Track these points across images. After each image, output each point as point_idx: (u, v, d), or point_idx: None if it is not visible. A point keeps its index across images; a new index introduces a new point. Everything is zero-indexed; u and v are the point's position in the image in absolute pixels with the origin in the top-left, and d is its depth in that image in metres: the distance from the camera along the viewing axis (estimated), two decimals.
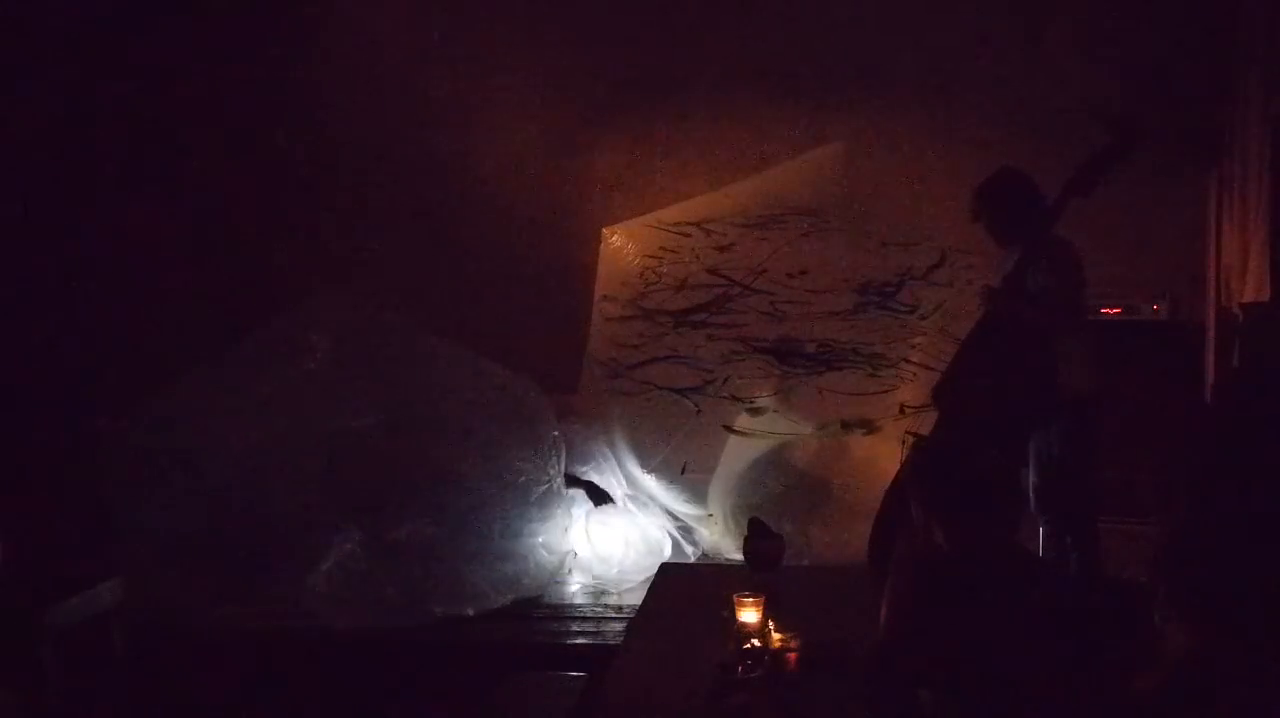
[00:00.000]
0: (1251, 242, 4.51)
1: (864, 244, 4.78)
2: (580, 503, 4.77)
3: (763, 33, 5.56)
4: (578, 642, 4.00)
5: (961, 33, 5.33)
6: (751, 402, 4.80)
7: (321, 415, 4.35)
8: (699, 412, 4.77)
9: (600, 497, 4.78)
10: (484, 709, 3.03)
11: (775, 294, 4.76)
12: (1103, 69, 5.15)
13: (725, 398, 4.76)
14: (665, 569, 4.25)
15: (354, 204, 5.79)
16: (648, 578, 4.59)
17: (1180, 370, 4.89)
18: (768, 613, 2.88)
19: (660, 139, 5.78)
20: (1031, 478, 3.88)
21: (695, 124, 5.73)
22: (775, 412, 4.85)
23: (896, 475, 3.93)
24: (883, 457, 4.68)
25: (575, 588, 4.63)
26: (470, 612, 4.17)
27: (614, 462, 4.95)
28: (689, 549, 4.94)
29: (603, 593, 4.57)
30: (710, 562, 4.83)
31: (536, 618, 4.28)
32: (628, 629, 3.65)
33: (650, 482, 4.90)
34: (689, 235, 4.93)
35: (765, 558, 3.60)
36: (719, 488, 4.91)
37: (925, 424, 4.24)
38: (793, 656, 2.71)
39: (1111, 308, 4.97)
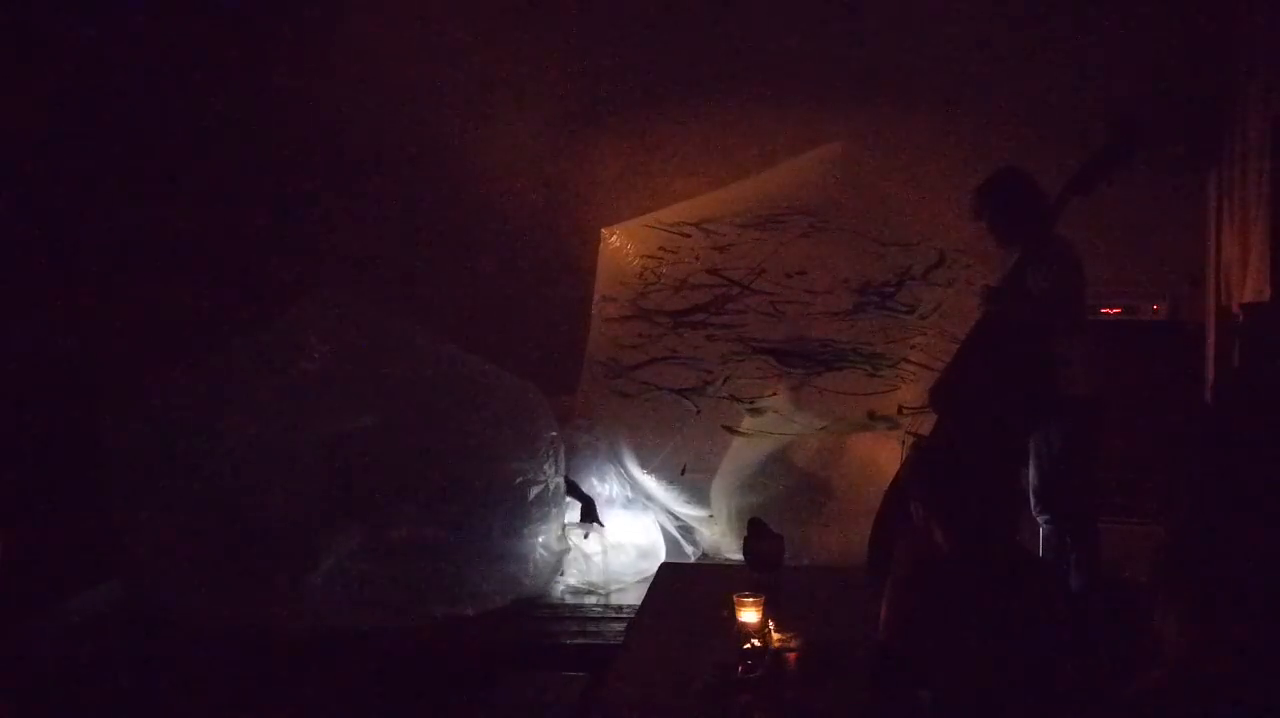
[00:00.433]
0: (1251, 242, 4.51)
1: (863, 244, 4.78)
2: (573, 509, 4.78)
3: (763, 33, 5.56)
4: (578, 642, 4.00)
5: (962, 33, 5.34)
6: (752, 402, 4.80)
7: (321, 416, 4.35)
8: (698, 412, 4.77)
9: (589, 514, 4.78)
10: (484, 709, 3.03)
11: (775, 294, 4.76)
12: (1103, 70, 5.16)
13: (725, 398, 4.76)
14: (665, 569, 4.25)
15: (354, 204, 5.80)
16: (640, 578, 4.62)
17: (1180, 370, 4.89)
18: (768, 613, 2.88)
19: (660, 139, 5.79)
20: (1031, 478, 3.88)
21: (695, 124, 5.74)
22: (777, 412, 4.85)
23: (896, 475, 3.93)
24: (883, 457, 4.68)
25: (572, 588, 4.62)
26: (470, 612, 4.17)
27: (613, 462, 4.95)
28: (689, 549, 4.94)
29: (603, 593, 4.57)
30: (710, 562, 4.83)
31: (536, 618, 4.27)
32: (628, 629, 3.65)
33: (650, 482, 4.90)
34: (688, 236, 4.92)
35: (765, 558, 3.60)
36: (721, 488, 4.91)
37: (925, 424, 4.24)
38: (793, 656, 2.71)
39: (1111, 308, 4.97)
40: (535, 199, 5.81)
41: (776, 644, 2.75)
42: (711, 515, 4.92)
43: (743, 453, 4.92)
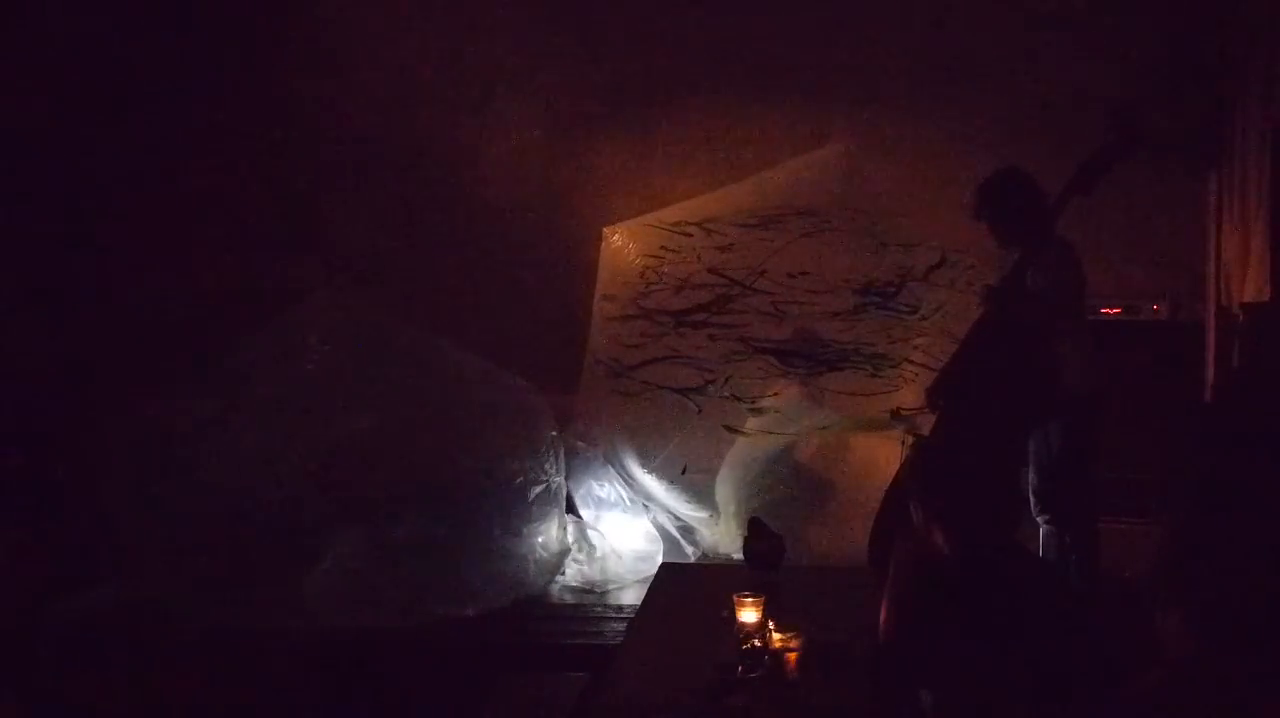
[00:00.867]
0: (1251, 242, 4.51)
1: (865, 245, 4.78)
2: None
3: (764, 33, 5.57)
4: (578, 642, 4.00)
5: (962, 34, 5.34)
6: (753, 402, 4.80)
7: (321, 416, 4.35)
8: (700, 411, 4.77)
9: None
10: (484, 709, 3.03)
11: (776, 294, 4.75)
12: (1104, 70, 5.16)
13: (726, 398, 4.76)
14: (665, 569, 4.25)
15: (354, 205, 5.80)
16: (638, 579, 4.62)
17: (1180, 370, 4.89)
18: (768, 613, 2.88)
19: (661, 139, 5.79)
20: (1031, 478, 3.88)
21: (696, 124, 5.74)
22: (778, 412, 4.85)
23: (896, 475, 3.93)
24: (883, 457, 4.68)
25: (571, 588, 4.62)
26: (470, 612, 4.16)
27: (612, 464, 4.95)
28: (689, 549, 4.94)
29: (603, 593, 4.57)
30: (710, 562, 4.83)
31: (536, 618, 4.27)
32: (628, 629, 3.65)
33: (650, 481, 4.90)
34: (690, 235, 4.92)
35: (765, 558, 3.60)
36: (724, 487, 4.92)
37: (925, 424, 4.24)
38: (793, 656, 2.70)
39: (1111, 308, 4.97)
40: (535, 199, 5.81)
41: (776, 644, 2.74)
42: (712, 515, 4.92)
43: (745, 453, 4.92)
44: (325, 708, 3.72)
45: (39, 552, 4.39)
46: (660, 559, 4.75)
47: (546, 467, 4.53)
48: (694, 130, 5.74)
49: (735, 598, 2.91)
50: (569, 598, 4.54)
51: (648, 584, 4.04)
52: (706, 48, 5.63)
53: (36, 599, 4.17)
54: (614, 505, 4.84)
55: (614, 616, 4.26)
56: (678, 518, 4.99)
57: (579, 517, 4.80)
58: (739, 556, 3.91)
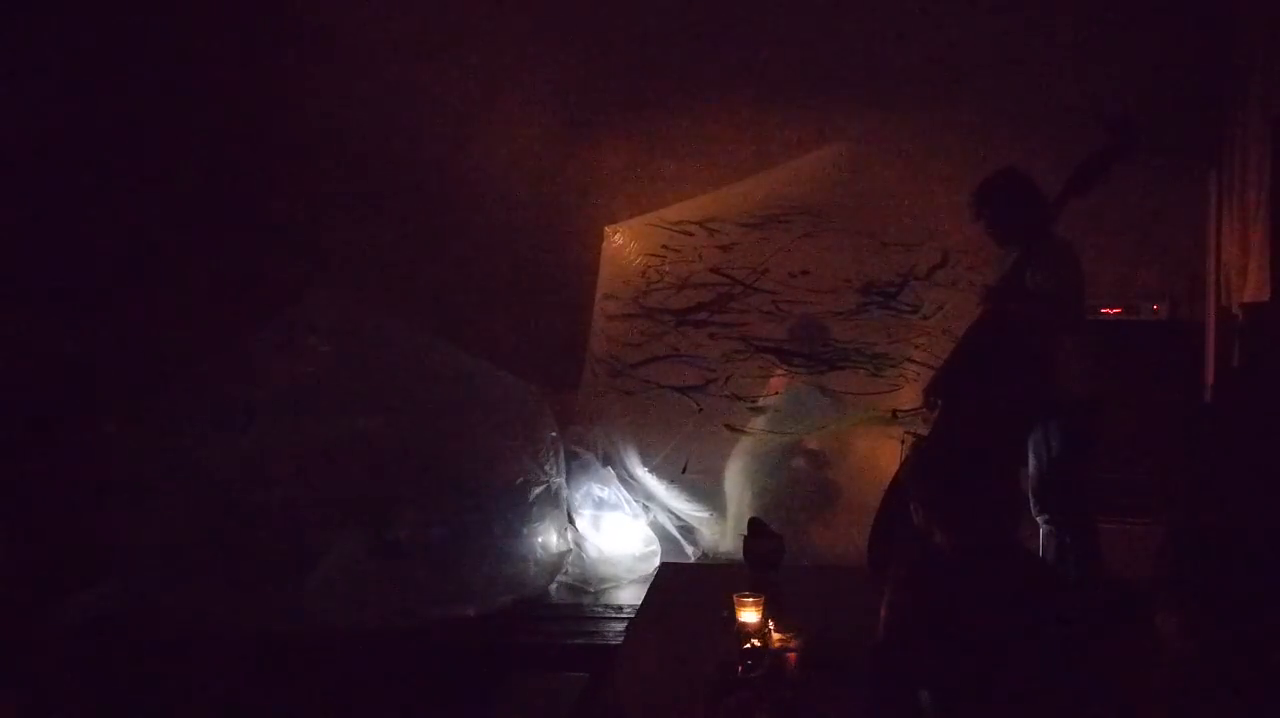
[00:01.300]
0: (1251, 242, 4.51)
1: (866, 244, 4.78)
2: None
3: (765, 33, 5.57)
4: (578, 642, 3.99)
5: (964, 34, 5.34)
6: (754, 401, 4.81)
7: (321, 416, 4.35)
8: (700, 410, 4.78)
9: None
10: (484, 709, 3.04)
11: (777, 293, 4.76)
12: (1104, 70, 5.16)
13: (727, 396, 4.76)
14: (665, 569, 4.25)
15: (354, 205, 5.80)
16: (635, 578, 4.62)
17: (1180, 370, 4.89)
18: (768, 613, 2.88)
19: (663, 139, 5.79)
20: (1030, 478, 3.87)
21: (697, 124, 5.75)
22: (779, 411, 4.85)
23: (895, 475, 3.93)
24: (883, 457, 4.68)
25: (569, 586, 4.62)
26: (470, 612, 4.16)
27: (612, 465, 4.95)
28: (689, 549, 4.94)
29: (603, 593, 4.57)
30: (710, 562, 4.83)
31: (536, 618, 4.27)
32: (628, 629, 3.65)
33: (651, 480, 4.91)
34: (691, 234, 4.93)
35: (765, 558, 3.60)
36: (728, 486, 4.92)
37: (923, 425, 4.24)
38: (793, 656, 2.70)
39: (1111, 308, 4.97)
40: (536, 199, 5.81)
41: (776, 644, 2.75)
42: (712, 514, 4.92)
43: (747, 452, 4.92)
44: (325, 708, 3.72)
45: (38, 552, 4.39)
46: (658, 562, 4.75)
47: (546, 467, 4.52)
48: (695, 130, 5.75)
49: (735, 598, 2.91)
50: (569, 598, 4.53)
51: (648, 584, 4.05)
52: (708, 48, 5.63)
53: (36, 599, 4.16)
54: (614, 507, 4.84)
55: (614, 616, 4.26)
56: (678, 518, 4.99)
57: (573, 524, 4.79)
58: (739, 555, 3.91)
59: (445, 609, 4.13)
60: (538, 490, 4.47)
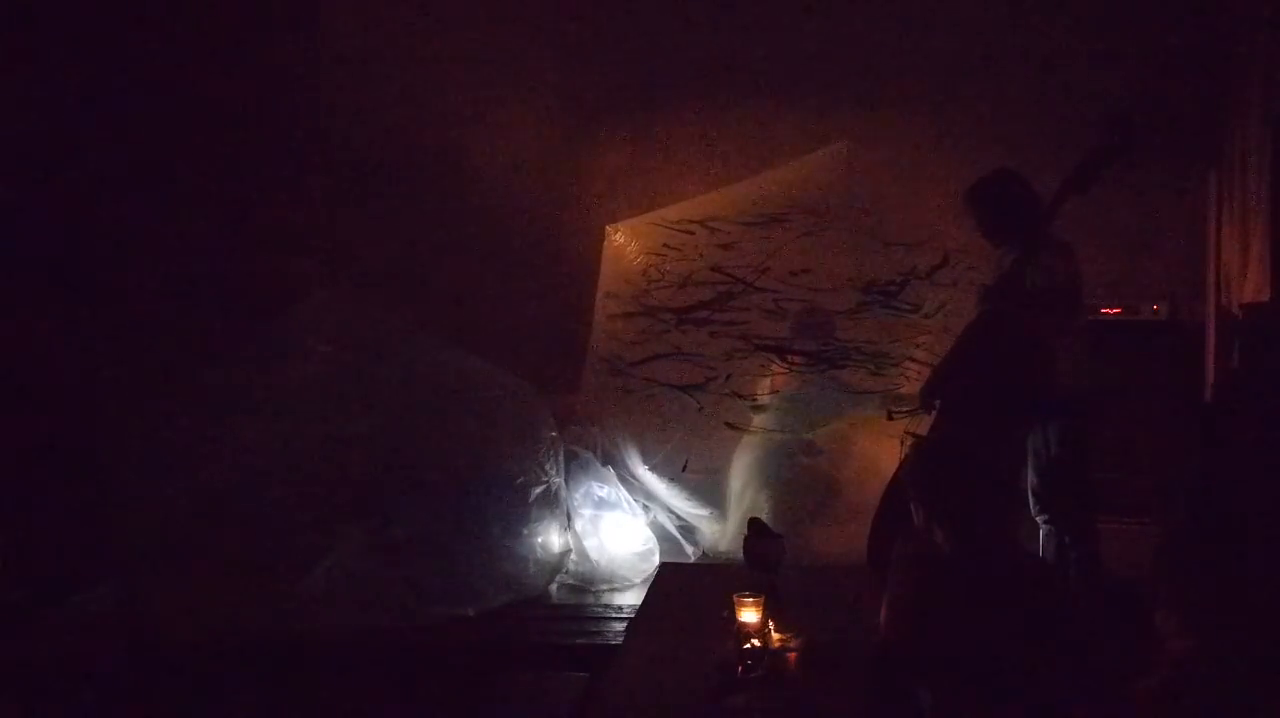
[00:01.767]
0: (1251, 242, 4.51)
1: (867, 244, 4.79)
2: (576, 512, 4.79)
3: (767, 33, 5.57)
4: (578, 642, 4.00)
5: (965, 34, 5.34)
6: (754, 399, 4.81)
7: (321, 416, 4.35)
8: (701, 408, 4.78)
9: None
10: (484, 709, 3.03)
11: (778, 292, 4.77)
12: (1104, 69, 5.16)
13: (727, 395, 4.77)
14: (665, 569, 4.25)
15: (355, 206, 5.80)
16: (636, 578, 4.63)
17: (1180, 370, 4.89)
18: (768, 613, 2.88)
19: (664, 138, 5.79)
20: (1030, 478, 3.88)
21: (699, 124, 5.75)
22: (779, 409, 4.85)
23: (894, 475, 3.93)
24: (883, 457, 4.69)
25: (573, 588, 4.62)
26: (470, 612, 4.16)
27: (612, 464, 4.95)
28: (689, 549, 4.94)
29: (602, 593, 4.57)
30: (710, 562, 4.83)
31: (536, 618, 4.27)
32: (628, 629, 3.65)
33: (651, 479, 4.91)
34: (692, 233, 4.93)
35: (765, 558, 3.60)
36: (731, 485, 4.93)
37: (923, 424, 4.24)
38: (793, 656, 2.71)
39: (1111, 308, 4.97)
40: (536, 200, 5.81)
41: (776, 644, 2.75)
42: (713, 513, 4.92)
43: (749, 450, 4.93)
44: (326, 709, 3.72)
45: (38, 552, 4.39)
46: (657, 558, 4.75)
47: (546, 467, 4.53)
48: (697, 130, 5.75)
49: (735, 598, 2.91)
50: (569, 598, 4.53)
51: (648, 584, 4.05)
52: (710, 48, 5.63)
53: (36, 599, 4.17)
54: (613, 507, 4.84)
55: (614, 616, 4.26)
56: (678, 517, 4.99)
57: (573, 525, 4.79)
58: (740, 555, 3.91)
59: (445, 609, 4.13)
60: (537, 491, 4.47)
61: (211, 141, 5.70)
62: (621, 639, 3.58)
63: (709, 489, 4.93)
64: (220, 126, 5.71)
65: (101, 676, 3.79)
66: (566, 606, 4.44)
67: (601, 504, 4.86)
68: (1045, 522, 3.90)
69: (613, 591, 4.60)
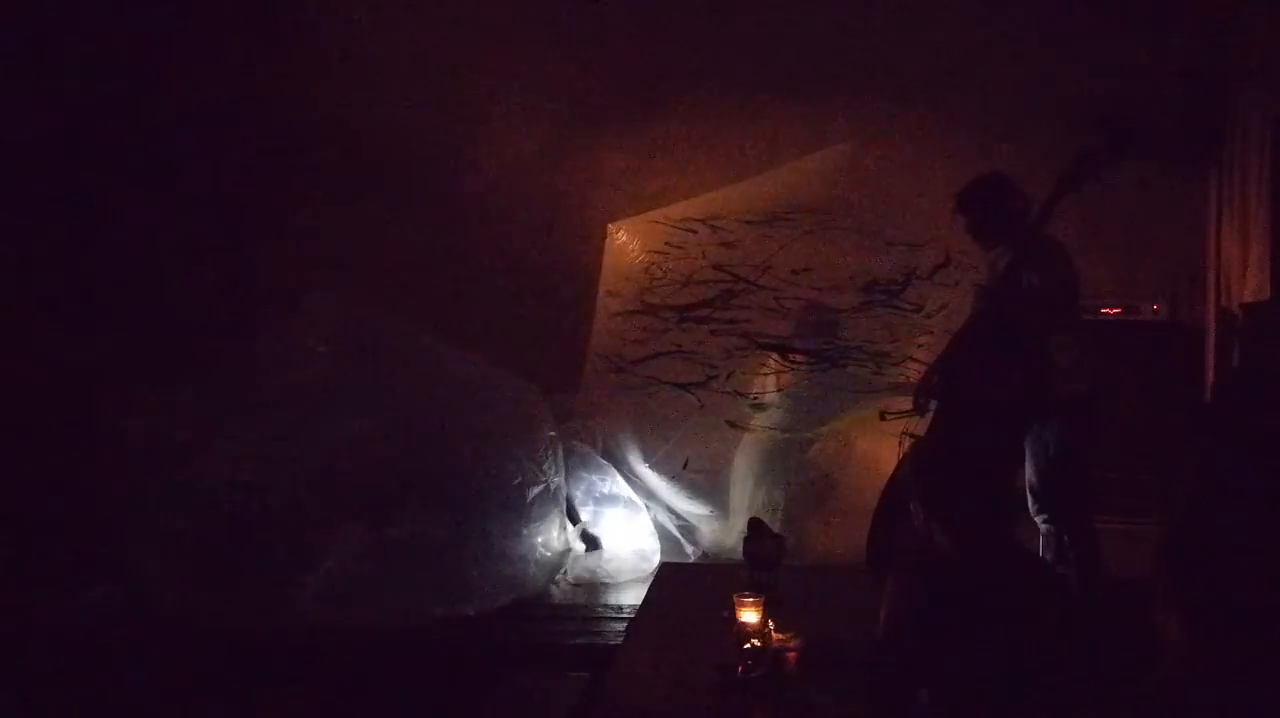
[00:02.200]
0: (1251, 242, 4.52)
1: (869, 243, 4.79)
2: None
3: (769, 34, 5.57)
4: (578, 642, 3.99)
5: (966, 35, 5.34)
6: (755, 398, 4.82)
7: (321, 417, 4.35)
8: (701, 406, 4.78)
9: (591, 542, 4.80)
10: (484, 709, 3.04)
11: (780, 290, 4.77)
12: (1105, 70, 5.16)
13: (728, 393, 4.77)
14: (665, 569, 4.25)
15: (356, 207, 5.79)
16: (638, 578, 4.63)
17: (1180, 370, 4.89)
18: (768, 613, 2.88)
19: (662, 141, 5.79)
20: (1028, 478, 3.87)
21: (701, 124, 5.75)
22: (780, 408, 4.86)
23: (892, 475, 3.93)
24: (883, 456, 4.68)
25: (574, 588, 4.62)
26: (470, 612, 4.16)
27: (612, 460, 4.95)
28: (689, 549, 4.94)
29: (602, 593, 4.57)
30: (710, 562, 4.83)
31: (536, 618, 4.27)
32: (628, 629, 3.65)
33: (652, 477, 4.91)
34: (695, 232, 4.94)
35: (765, 558, 3.60)
36: (733, 483, 4.93)
37: (921, 425, 4.24)
38: (793, 656, 2.71)
39: (1111, 308, 4.97)
40: (537, 201, 5.81)
41: (776, 644, 2.75)
42: (713, 512, 4.92)
43: (751, 448, 4.93)
44: (325, 708, 3.72)
45: (38, 552, 4.38)
46: (657, 557, 4.75)
47: (545, 467, 4.52)
48: (699, 130, 5.75)
49: (735, 598, 2.92)
50: (571, 597, 4.53)
51: (648, 584, 4.05)
52: (711, 49, 5.63)
53: (36, 599, 4.17)
54: (614, 501, 4.83)
55: (614, 615, 4.26)
56: (678, 517, 4.99)
57: (575, 520, 4.79)
58: (741, 554, 3.91)
59: (445, 609, 4.13)
60: (536, 490, 4.47)
61: (212, 143, 5.70)
62: (621, 639, 3.58)
63: (709, 488, 4.93)
64: (221, 128, 5.71)
65: (101, 675, 3.79)
66: (566, 606, 4.44)
67: (602, 501, 4.86)
68: (1044, 522, 3.89)
69: (615, 585, 4.60)
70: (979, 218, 3.91)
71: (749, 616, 2.87)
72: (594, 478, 4.86)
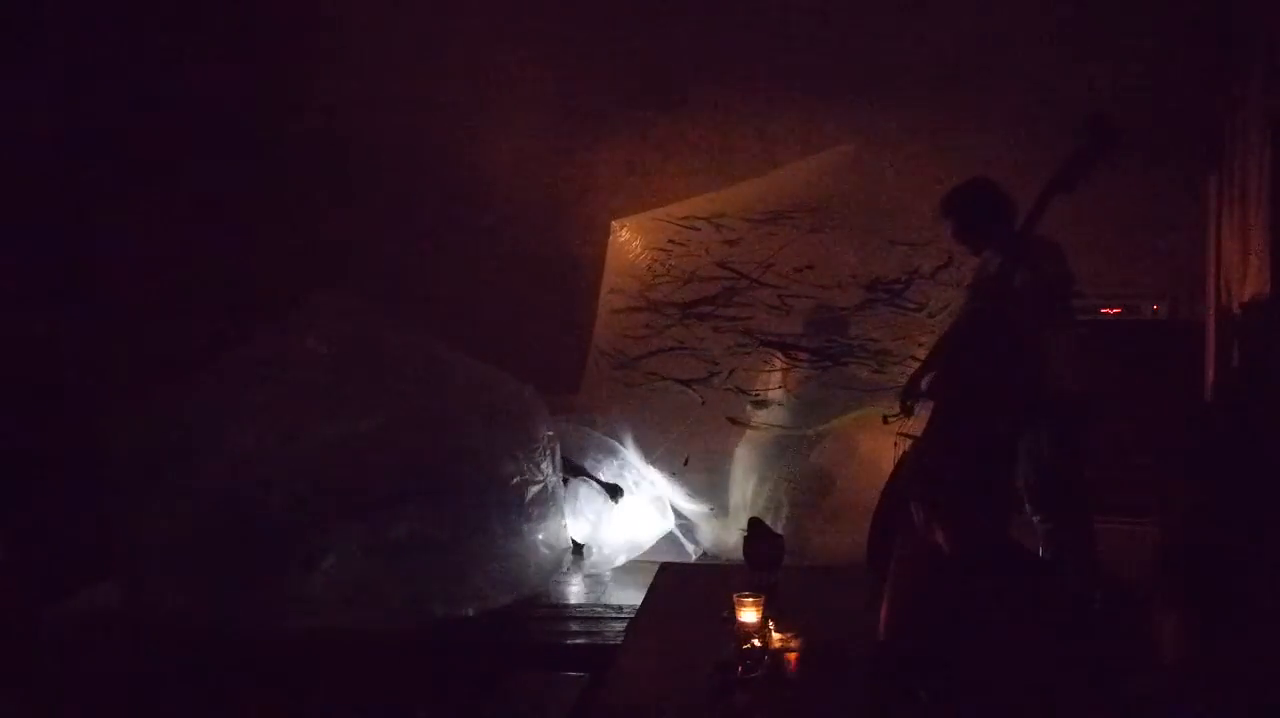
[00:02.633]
0: (1251, 242, 4.52)
1: (872, 242, 4.80)
2: (587, 498, 4.80)
3: (773, 33, 5.58)
4: (578, 642, 4.00)
5: (969, 36, 5.34)
6: (757, 394, 4.83)
7: (321, 417, 4.35)
8: (703, 402, 4.79)
9: (613, 491, 4.83)
10: (484, 709, 3.03)
11: (783, 288, 4.78)
12: (1106, 70, 5.16)
13: (730, 389, 4.78)
14: (665, 569, 4.25)
15: (356, 207, 5.80)
16: (636, 552, 4.69)
17: (1180, 370, 4.89)
18: (768, 613, 2.88)
19: (663, 141, 5.80)
20: (1025, 478, 3.87)
21: (704, 124, 5.76)
22: (781, 405, 4.86)
23: (891, 475, 3.93)
24: (884, 456, 4.69)
25: (575, 587, 4.63)
26: (470, 612, 4.16)
27: (616, 454, 4.97)
28: (690, 548, 4.95)
29: (602, 593, 4.57)
30: (710, 562, 4.83)
31: (536, 618, 4.27)
32: (628, 629, 3.65)
33: (653, 474, 4.92)
34: (698, 229, 4.95)
35: (765, 558, 3.60)
36: (734, 481, 4.94)
37: (916, 426, 4.24)
38: (793, 656, 2.71)
39: (1111, 308, 4.97)
40: (537, 202, 5.82)
41: (776, 644, 2.75)
42: (713, 510, 4.93)
43: (752, 446, 4.94)
44: (326, 708, 3.72)
45: (38, 552, 4.38)
46: (658, 530, 4.80)
47: (542, 467, 4.52)
48: (703, 129, 5.76)
49: (735, 598, 2.92)
50: (569, 598, 4.54)
51: (648, 585, 4.04)
52: (713, 49, 5.64)
53: (36, 599, 4.17)
54: (627, 466, 4.90)
55: (614, 615, 4.26)
56: (679, 516, 5.00)
57: (589, 476, 4.85)
58: (740, 554, 3.92)
59: (445, 609, 4.13)
60: (534, 489, 4.47)
61: (213, 144, 5.71)
62: (621, 639, 3.58)
63: (710, 485, 4.94)
64: (222, 128, 5.71)
65: (102, 675, 3.79)
66: (566, 606, 4.44)
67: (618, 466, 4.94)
68: (1041, 522, 3.90)
69: (614, 586, 4.61)
70: (964, 222, 3.92)
71: (749, 616, 2.87)
72: (600, 454, 4.91)
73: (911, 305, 4.74)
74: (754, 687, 2.61)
